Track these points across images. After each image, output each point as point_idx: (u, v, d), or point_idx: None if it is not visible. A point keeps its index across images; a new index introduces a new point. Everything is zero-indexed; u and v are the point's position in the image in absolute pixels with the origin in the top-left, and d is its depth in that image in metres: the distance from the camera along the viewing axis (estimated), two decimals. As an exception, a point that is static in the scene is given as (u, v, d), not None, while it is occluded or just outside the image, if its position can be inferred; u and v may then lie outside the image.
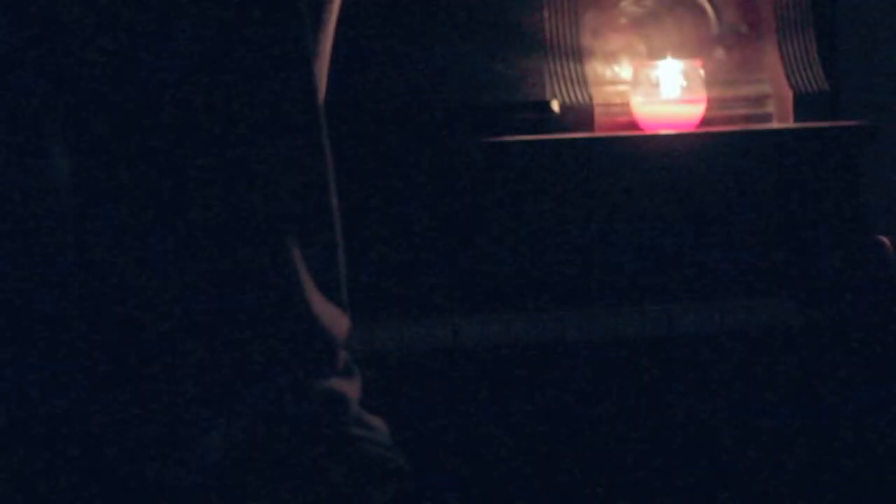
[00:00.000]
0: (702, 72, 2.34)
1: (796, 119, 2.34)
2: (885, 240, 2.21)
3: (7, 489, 1.01)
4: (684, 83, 2.32)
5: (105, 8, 1.02)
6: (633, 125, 2.37)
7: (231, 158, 1.05)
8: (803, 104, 2.34)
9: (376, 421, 1.12)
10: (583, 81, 2.34)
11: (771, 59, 2.41)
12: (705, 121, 2.35)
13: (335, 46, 1.15)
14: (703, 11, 2.46)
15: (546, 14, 2.35)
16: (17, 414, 1.01)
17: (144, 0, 1.03)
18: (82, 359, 1.01)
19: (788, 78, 2.36)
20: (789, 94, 2.35)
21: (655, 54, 2.43)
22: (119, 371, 1.02)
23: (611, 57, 2.44)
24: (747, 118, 2.42)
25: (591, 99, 2.33)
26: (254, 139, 1.06)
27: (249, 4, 1.06)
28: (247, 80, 1.05)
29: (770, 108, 2.42)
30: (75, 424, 1.02)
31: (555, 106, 2.28)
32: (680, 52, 2.42)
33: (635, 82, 2.35)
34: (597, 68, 2.43)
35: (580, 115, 2.31)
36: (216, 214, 1.04)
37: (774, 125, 2.40)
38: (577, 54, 2.35)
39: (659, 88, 2.33)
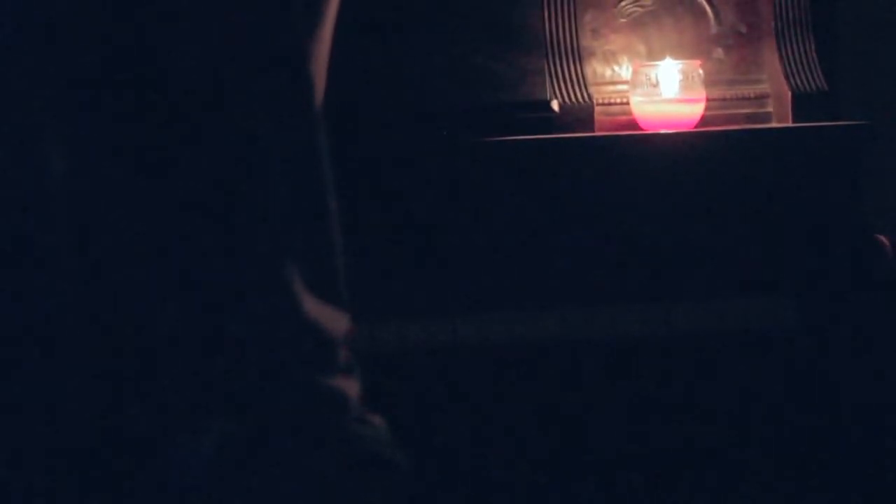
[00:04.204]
0: (701, 72, 2.34)
1: (795, 119, 2.34)
2: (884, 239, 2.21)
3: (4, 488, 1.01)
4: (684, 83, 2.32)
5: (100, 8, 1.02)
6: (633, 125, 2.37)
7: (225, 160, 1.05)
8: (802, 104, 2.34)
9: (377, 419, 1.12)
10: (583, 81, 2.34)
11: (770, 58, 2.41)
12: (705, 120, 2.35)
13: (335, 46, 1.15)
14: (702, 11, 2.46)
15: (546, 14, 2.35)
16: (14, 414, 1.02)
17: (140, 3, 1.03)
18: (80, 358, 1.02)
19: (788, 78, 2.36)
20: (788, 94, 2.35)
21: (655, 54, 2.44)
22: (117, 371, 1.02)
23: (610, 57, 2.45)
24: (747, 118, 2.42)
25: (590, 99, 2.33)
26: (248, 141, 1.06)
27: (243, 6, 1.06)
28: (242, 80, 1.06)
29: (769, 107, 2.42)
30: (73, 424, 1.02)
31: (555, 106, 2.28)
32: (679, 51, 2.43)
33: (635, 82, 2.35)
34: (596, 68, 2.44)
35: (580, 114, 2.32)
36: (210, 216, 1.04)
37: (774, 125, 2.40)
38: (577, 54, 2.35)
39: (658, 88, 2.33)
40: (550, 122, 2.27)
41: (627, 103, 2.38)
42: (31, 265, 1.02)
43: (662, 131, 2.30)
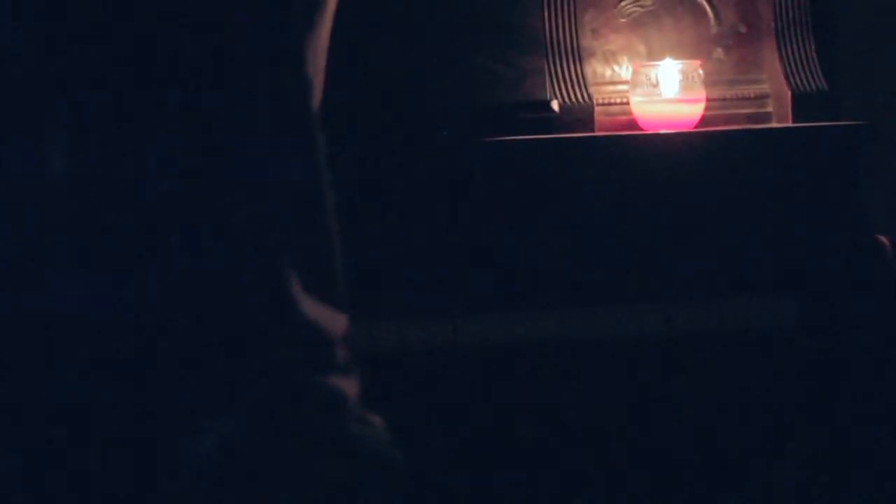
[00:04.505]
0: (701, 72, 2.35)
1: (795, 119, 2.34)
2: (884, 239, 2.21)
3: (4, 488, 1.01)
4: (684, 83, 2.33)
5: (100, 8, 1.02)
6: (633, 125, 2.37)
7: (223, 160, 1.05)
8: (802, 104, 2.34)
9: (376, 419, 1.12)
10: (583, 81, 2.34)
11: (770, 59, 2.41)
12: (704, 120, 2.35)
13: (335, 47, 1.15)
14: (702, 11, 2.46)
15: (546, 14, 2.35)
16: (12, 414, 1.02)
17: (140, 3, 1.03)
18: (79, 358, 1.02)
19: (787, 78, 2.36)
20: (788, 94, 2.35)
21: (655, 54, 2.44)
22: (114, 371, 1.02)
23: (610, 57, 2.45)
24: (746, 118, 2.43)
25: (590, 99, 2.34)
26: (246, 141, 1.06)
27: (243, 6, 1.06)
28: (241, 80, 1.06)
29: (769, 107, 2.43)
30: (71, 424, 1.02)
31: (555, 106, 2.28)
32: (679, 51, 2.43)
33: (635, 82, 2.36)
34: (596, 68, 2.44)
35: (580, 114, 2.32)
36: (208, 217, 1.04)
37: (774, 125, 2.41)
38: (577, 54, 2.36)
39: (658, 88, 2.33)
40: (550, 122, 2.28)
41: (627, 103, 2.38)
42: (31, 265, 1.02)
43: (662, 131, 2.30)
